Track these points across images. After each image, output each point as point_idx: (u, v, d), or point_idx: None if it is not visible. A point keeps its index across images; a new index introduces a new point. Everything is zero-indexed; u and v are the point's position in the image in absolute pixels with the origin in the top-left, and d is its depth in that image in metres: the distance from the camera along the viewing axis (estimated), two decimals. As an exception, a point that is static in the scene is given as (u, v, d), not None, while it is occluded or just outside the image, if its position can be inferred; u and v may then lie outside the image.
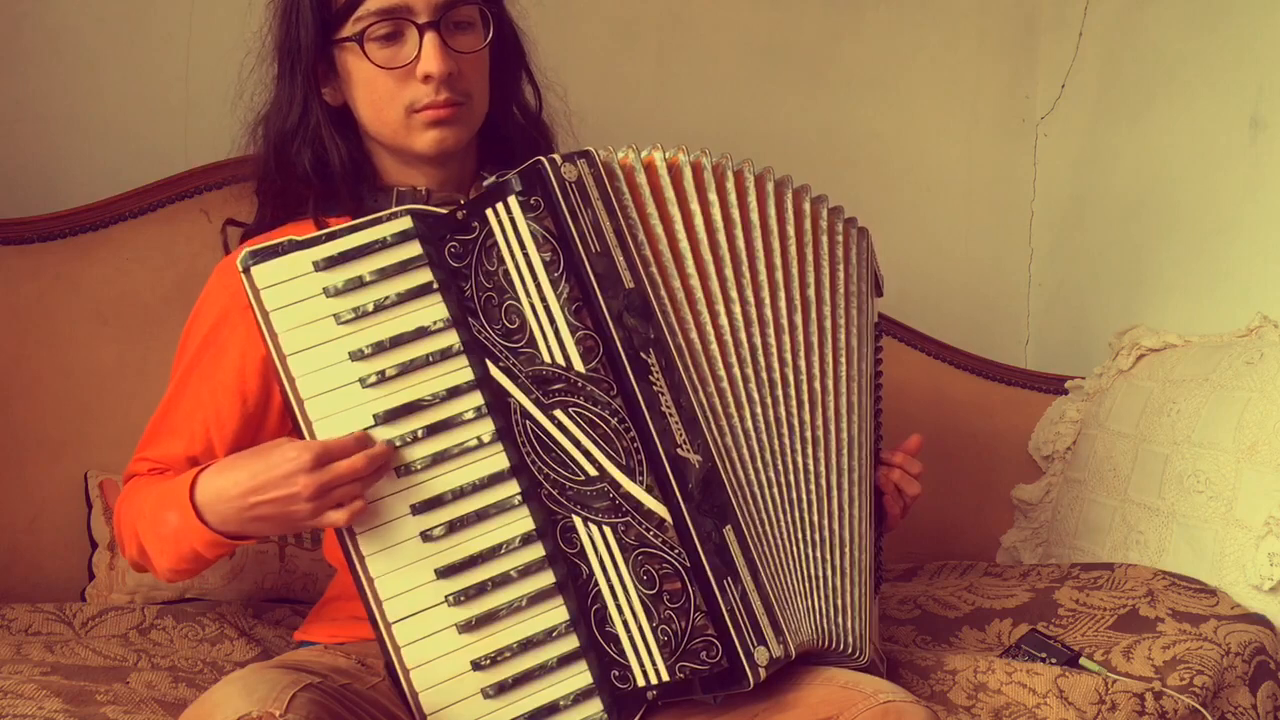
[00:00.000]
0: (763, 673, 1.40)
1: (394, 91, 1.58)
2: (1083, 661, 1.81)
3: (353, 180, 1.64)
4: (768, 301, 1.53)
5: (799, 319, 1.55)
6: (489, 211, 1.44)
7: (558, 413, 1.42)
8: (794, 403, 1.52)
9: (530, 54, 1.73)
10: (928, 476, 2.36)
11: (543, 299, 1.42)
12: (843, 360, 1.59)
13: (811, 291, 1.57)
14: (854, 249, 1.66)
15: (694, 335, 1.47)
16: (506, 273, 1.43)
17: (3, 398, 2.06)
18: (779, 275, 1.55)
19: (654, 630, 1.40)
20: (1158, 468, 2.14)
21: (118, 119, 2.29)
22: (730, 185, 1.53)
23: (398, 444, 1.42)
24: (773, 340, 1.52)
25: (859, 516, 1.57)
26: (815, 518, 1.51)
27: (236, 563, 2.06)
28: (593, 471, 1.42)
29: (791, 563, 1.48)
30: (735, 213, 1.53)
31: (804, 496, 1.51)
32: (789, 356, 1.53)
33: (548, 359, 1.42)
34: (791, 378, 1.53)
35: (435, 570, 1.42)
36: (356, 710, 1.38)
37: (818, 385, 1.55)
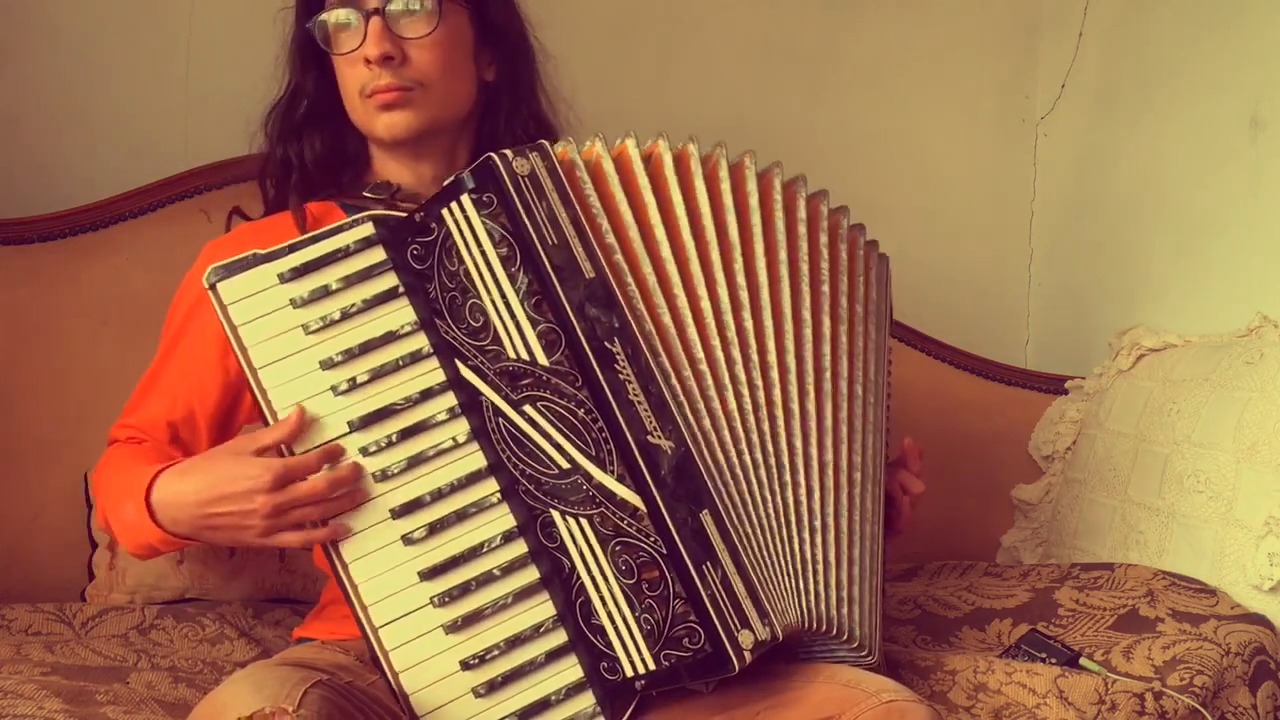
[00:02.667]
0: (748, 656, 1.39)
1: (352, 78, 1.65)
2: (1083, 661, 1.81)
3: (334, 170, 1.70)
4: (765, 286, 1.52)
5: (807, 314, 1.54)
6: (444, 211, 1.44)
7: (527, 408, 1.42)
8: (794, 389, 1.51)
9: (542, 66, 1.75)
10: (928, 476, 2.37)
11: (503, 295, 1.42)
12: (859, 364, 1.58)
13: (826, 288, 1.57)
14: (873, 269, 1.66)
15: (666, 320, 1.46)
16: (467, 272, 1.43)
17: (2, 398, 2.06)
18: (783, 270, 1.54)
19: (637, 620, 1.40)
20: (1158, 468, 2.14)
21: (118, 119, 2.29)
22: (724, 173, 1.53)
23: (373, 449, 1.43)
24: (768, 324, 1.51)
25: (871, 517, 1.57)
26: (816, 505, 1.50)
27: (237, 563, 2.06)
28: (565, 465, 1.41)
29: (781, 546, 1.46)
30: (728, 199, 1.52)
31: (801, 481, 1.49)
32: (790, 344, 1.52)
33: (513, 355, 1.42)
34: (793, 365, 1.52)
35: (418, 573, 1.42)
36: (362, 707, 1.39)
37: (827, 379, 1.54)
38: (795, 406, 1.51)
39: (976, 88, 2.73)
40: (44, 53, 2.26)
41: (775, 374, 1.50)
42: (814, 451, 1.51)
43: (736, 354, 1.48)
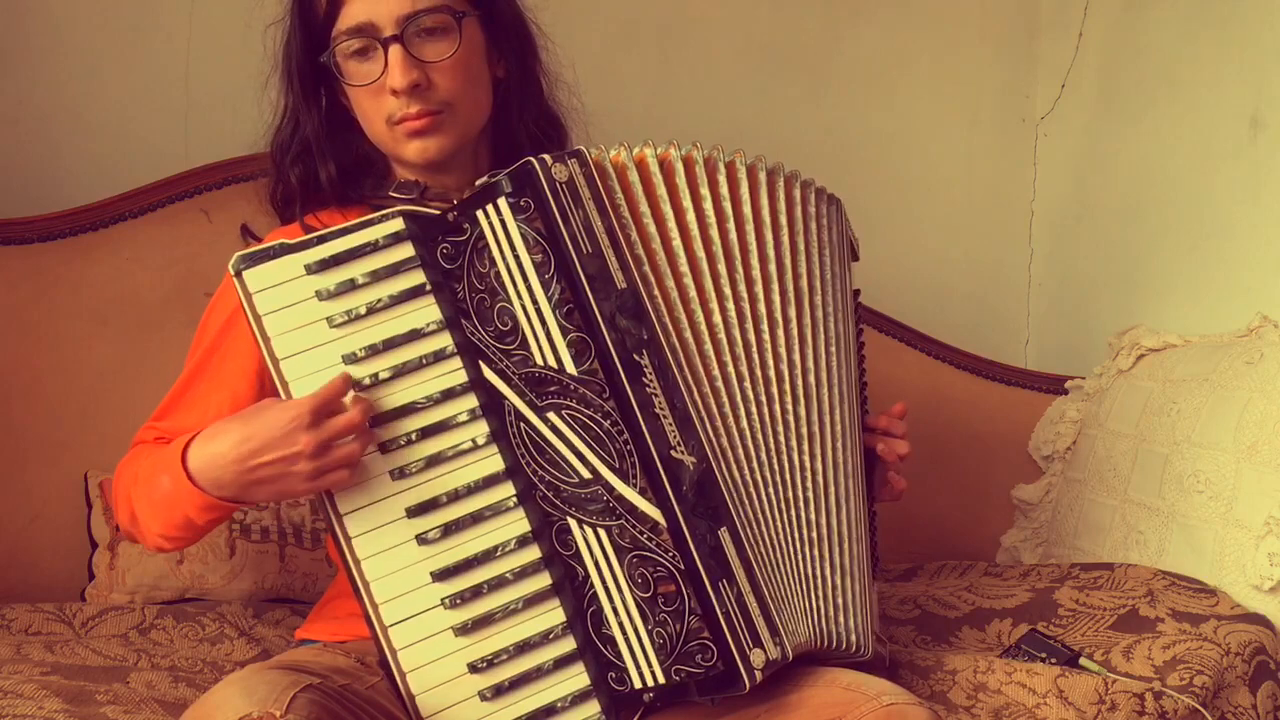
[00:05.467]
0: (758, 675, 1.39)
1: (374, 107, 1.60)
2: (1083, 661, 1.81)
3: (353, 182, 1.67)
4: (761, 297, 1.52)
5: (792, 312, 1.55)
6: (479, 213, 1.43)
7: (551, 415, 1.42)
8: (788, 399, 1.52)
9: (543, 50, 1.73)
10: (928, 477, 2.36)
11: (534, 301, 1.41)
12: (833, 350, 1.59)
13: (804, 283, 1.57)
14: (833, 228, 1.65)
15: (688, 335, 1.46)
16: (498, 274, 1.43)
17: (3, 398, 2.06)
18: (771, 268, 1.54)
19: (650, 633, 1.40)
20: (1158, 468, 2.14)
21: (118, 119, 2.29)
22: (722, 178, 1.52)
23: (391, 447, 1.43)
24: (766, 336, 1.52)
25: (854, 508, 1.57)
26: (812, 515, 1.51)
27: (237, 563, 2.06)
28: (586, 474, 1.41)
29: (789, 563, 1.48)
30: (727, 206, 1.52)
31: (800, 495, 1.51)
32: (783, 351, 1.53)
33: (540, 361, 1.42)
34: (786, 373, 1.52)
35: (431, 573, 1.42)
36: (356, 711, 1.38)
37: (811, 379, 1.55)
38: (791, 419, 1.52)
39: (976, 88, 2.73)
40: (44, 53, 2.26)
41: (774, 388, 1.51)
42: (805, 460, 1.52)
43: (744, 369, 1.49)
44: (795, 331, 1.54)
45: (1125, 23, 2.55)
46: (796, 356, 1.54)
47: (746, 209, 1.53)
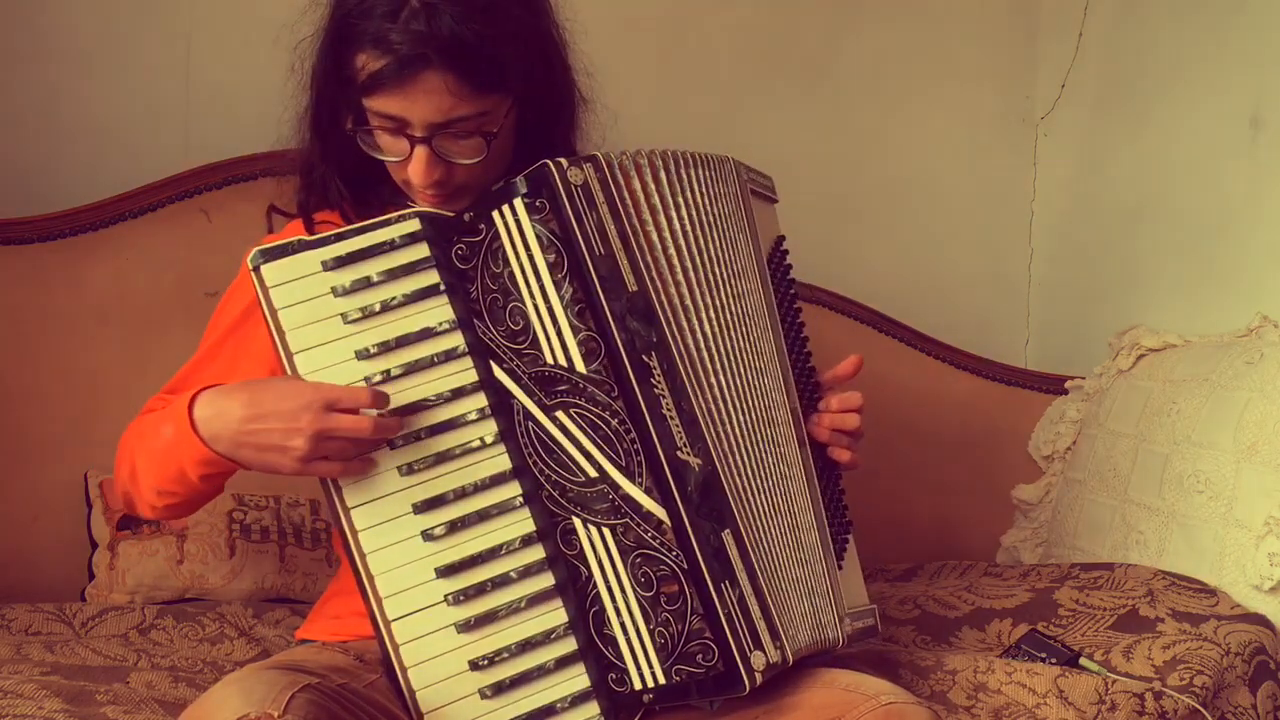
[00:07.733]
0: (759, 677, 1.40)
1: (393, 168, 1.56)
2: (1083, 661, 1.81)
3: (368, 190, 1.65)
4: (727, 305, 1.54)
5: (739, 309, 1.55)
6: (495, 214, 1.45)
7: (559, 414, 1.43)
8: (761, 405, 1.54)
9: (585, 117, 1.66)
10: (928, 477, 2.36)
11: (546, 300, 1.43)
12: (766, 336, 1.59)
13: (740, 279, 1.57)
14: (733, 195, 1.60)
15: (689, 341, 1.48)
16: (511, 274, 1.44)
17: (3, 398, 2.06)
18: (724, 270, 1.55)
19: (651, 633, 1.41)
20: (1158, 468, 2.14)
21: (118, 119, 2.29)
22: (691, 183, 1.53)
23: (400, 443, 1.43)
24: (742, 343, 1.54)
25: (805, 493, 1.57)
26: (792, 519, 1.53)
27: (237, 563, 2.07)
28: (593, 473, 1.42)
29: (786, 568, 1.49)
30: (699, 215, 1.54)
31: (782, 500, 1.52)
32: (749, 359, 1.54)
33: (550, 360, 1.43)
34: (756, 380, 1.54)
35: (435, 569, 1.42)
36: (354, 710, 1.38)
37: (765, 378, 1.56)
38: (764, 424, 1.53)
39: (976, 88, 2.74)
40: (44, 53, 2.26)
41: (753, 394, 1.53)
42: (779, 465, 1.53)
43: (731, 378, 1.51)
44: (746, 330, 1.56)
45: (1125, 23, 2.55)
46: (751, 358, 1.55)
47: (705, 215, 1.55)
